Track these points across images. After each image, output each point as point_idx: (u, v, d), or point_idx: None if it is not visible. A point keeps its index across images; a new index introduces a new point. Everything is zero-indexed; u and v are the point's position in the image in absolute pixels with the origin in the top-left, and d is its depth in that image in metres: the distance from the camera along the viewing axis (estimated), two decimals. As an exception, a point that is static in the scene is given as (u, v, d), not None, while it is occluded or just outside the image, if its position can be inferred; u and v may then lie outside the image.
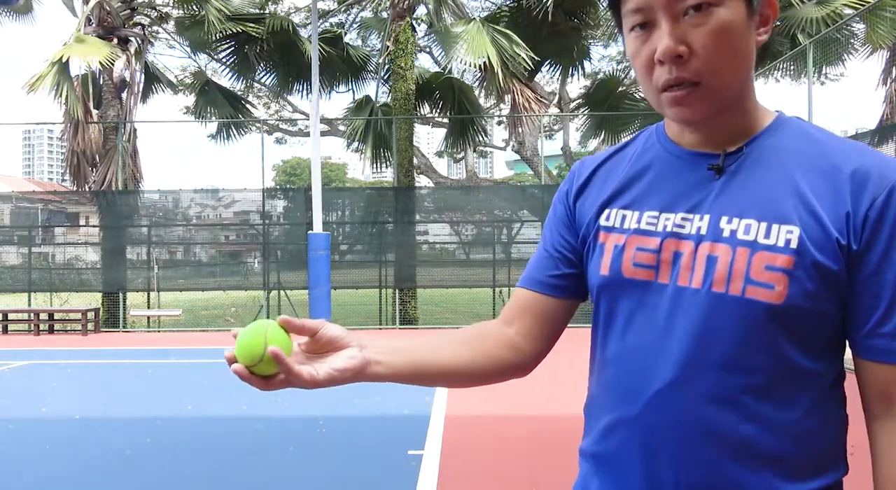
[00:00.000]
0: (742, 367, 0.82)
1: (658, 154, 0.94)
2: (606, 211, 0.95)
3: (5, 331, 12.01)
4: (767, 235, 0.82)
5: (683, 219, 0.88)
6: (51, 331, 11.97)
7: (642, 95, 11.62)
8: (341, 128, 19.87)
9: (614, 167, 0.99)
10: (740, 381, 0.82)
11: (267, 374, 0.84)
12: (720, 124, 0.88)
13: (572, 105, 17.73)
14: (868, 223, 0.80)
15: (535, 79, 14.83)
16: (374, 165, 14.77)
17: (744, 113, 0.89)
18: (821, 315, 0.82)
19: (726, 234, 0.84)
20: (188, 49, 15.58)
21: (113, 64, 12.30)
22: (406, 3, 12.89)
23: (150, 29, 14.23)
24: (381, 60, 14.85)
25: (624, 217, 0.93)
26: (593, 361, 0.99)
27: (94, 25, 12.61)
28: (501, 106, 15.13)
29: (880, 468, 0.82)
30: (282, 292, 12.56)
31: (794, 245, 0.80)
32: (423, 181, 20.21)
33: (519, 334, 1.02)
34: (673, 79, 0.83)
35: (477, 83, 13.79)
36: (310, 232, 11.27)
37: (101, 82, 13.02)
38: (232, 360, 0.84)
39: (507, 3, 14.18)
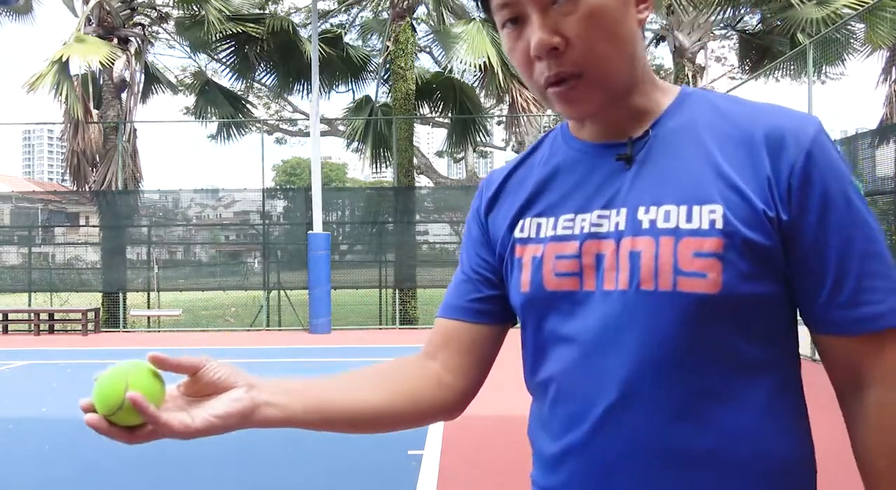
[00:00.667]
0: (690, 370, 0.74)
1: (565, 154, 0.87)
2: (520, 222, 0.87)
3: (5, 331, 12.01)
4: (689, 219, 0.75)
5: (600, 217, 0.80)
6: (51, 331, 11.97)
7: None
8: (341, 128, 19.89)
9: (524, 175, 0.91)
10: (691, 386, 0.74)
11: (129, 424, 0.71)
12: (618, 111, 0.82)
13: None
14: (793, 191, 0.74)
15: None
16: (374, 165, 14.79)
17: (641, 95, 0.82)
18: (762, 297, 0.75)
19: (646, 224, 0.77)
20: (188, 49, 15.60)
21: (113, 64, 12.32)
22: (406, 3, 12.90)
23: (150, 29, 14.25)
24: (381, 60, 14.86)
25: (539, 225, 0.85)
26: (528, 386, 0.90)
27: (94, 25, 12.62)
28: (501, 106, 15.14)
29: (856, 443, 0.77)
30: (282, 292, 12.57)
31: (719, 225, 0.73)
32: (423, 181, 20.24)
33: (445, 368, 0.91)
34: (553, 75, 0.76)
35: (477, 83, 13.79)
36: (310, 232, 11.29)
37: (101, 82, 13.04)
38: (88, 409, 0.69)
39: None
